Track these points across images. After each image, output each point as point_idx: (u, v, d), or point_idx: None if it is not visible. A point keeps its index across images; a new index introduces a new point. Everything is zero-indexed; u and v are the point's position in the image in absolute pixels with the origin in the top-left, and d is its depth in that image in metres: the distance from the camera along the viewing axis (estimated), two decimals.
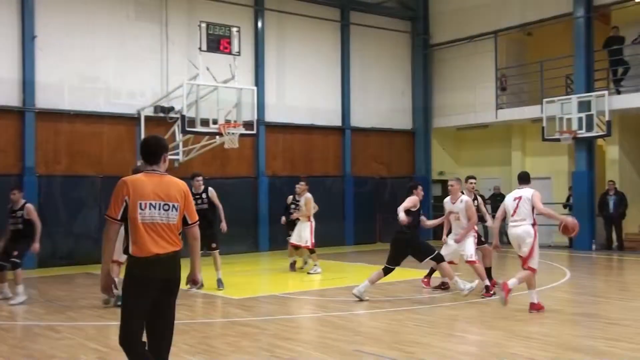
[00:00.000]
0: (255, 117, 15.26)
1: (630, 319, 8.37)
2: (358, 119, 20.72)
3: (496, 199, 20.46)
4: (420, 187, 9.99)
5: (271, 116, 18.86)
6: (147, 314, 4.62)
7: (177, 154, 16.78)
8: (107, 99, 16.19)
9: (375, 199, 20.59)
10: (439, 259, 9.68)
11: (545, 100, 17.84)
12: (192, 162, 17.19)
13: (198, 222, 4.84)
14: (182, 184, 4.84)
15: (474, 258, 9.99)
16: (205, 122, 14.24)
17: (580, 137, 17.15)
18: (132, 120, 16.60)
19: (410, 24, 22.04)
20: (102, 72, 16.15)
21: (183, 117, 14.23)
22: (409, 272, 12.34)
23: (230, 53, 14.44)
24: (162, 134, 16.28)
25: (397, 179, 20.53)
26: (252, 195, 18.48)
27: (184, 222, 4.74)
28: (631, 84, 17.87)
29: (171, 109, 16.66)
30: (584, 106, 16.97)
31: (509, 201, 9.18)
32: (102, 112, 16.14)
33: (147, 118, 16.61)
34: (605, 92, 16.90)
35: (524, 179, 9.18)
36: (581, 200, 17.59)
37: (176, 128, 15.93)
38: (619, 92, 17.60)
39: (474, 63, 20.63)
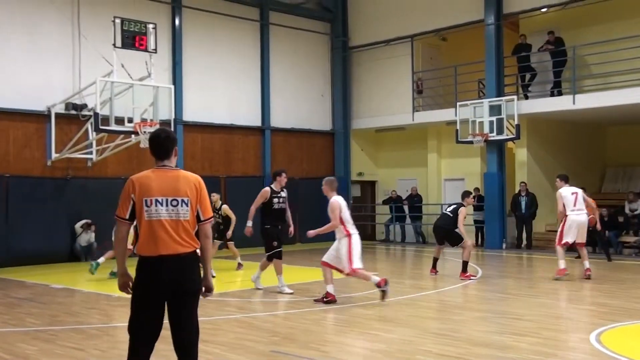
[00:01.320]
0: (173, 116, 14.99)
1: (536, 314, 8.77)
2: (278, 120, 20.72)
3: (413, 199, 21.02)
4: (283, 174, 11.10)
5: (189, 115, 18.57)
6: (155, 317, 4.48)
7: (91, 153, 16.26)
8: (13, 95, 15.45)
9: (295, 200, 20.59)
10: (270, 257, 10.59)
11: (459, 103, 18.43)
12: (106, 162, 16.71)
13: (212, 220, 4.61)
14: (195, 177, 4.60)
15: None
16: (120, 121, 13.87)
17: (491, 140, 17.83)
18: (41, 117, 15.94)
19: (329, 26, 22.25)
20: (7, 66, 15.41)
21: (96, 114, 13.79)
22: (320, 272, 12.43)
23: (146, 50, 14.13)
24: (74, 132, 15.76)
25: (317, 180, 20.62)
26: None
27: (198, 219, 4.52)
28: (538, 89, 18.76)
29: (84, 106, 16.10)
30: (495, 110, 17.65)
31: (567, 195, 11.79)
32: (7, 108, 15.40)
33: (58, 115, 15.99)
34: (515, 97, 17.65)
35: (567, 178, 12.13)
36: (492, 201, 18.30)
37: (89, 126, 15.43)
38: (527, 97, 18.42)
39: (391, 66, 21.05)
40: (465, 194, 12.84)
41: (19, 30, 15.62)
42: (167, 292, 4.43)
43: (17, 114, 15.57)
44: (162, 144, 4.60)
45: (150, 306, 4.47)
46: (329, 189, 10.04)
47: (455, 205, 12.60)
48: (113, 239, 4.04)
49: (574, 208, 11.78)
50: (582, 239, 12.06)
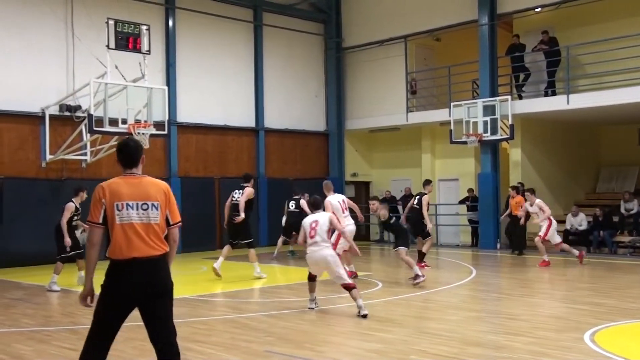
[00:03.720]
0: (167, 117, 14.98)
1: (529, 314, 8.80)
2: (272, 121, 20.72)
3: (407, 200, 21.00)
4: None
5: (183, 116, 18.56)
6: (120, 320, 4.61)
7: (85, 154, 16.22)
8: (7, 96, 15.41)
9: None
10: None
11: (452, 104, 18.45)
12: (101, 163, 16.67)
13: (180, 224, 4.76)
14: (163, 183, 4.78)
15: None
16: (114, 122, 13.84)
17: (485, 140, 17.86)
18: (35, 118, 15.90)
19: (323, 27, 22.26)
20: (1, 67, 15.37)
21: (90, 116, 13.75)
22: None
23: (139, 51, 14.11)
24: (69, 133, 15.74)
25: (311, 180, 20.66)
26: None
27: (167, 223, 4.67)
28: (532, 89, 18.80)
29: (78, 107, 16.08)
30: (489, 110, 17.68)
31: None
32: (1, 110, 15.36)
33: (52, 117, 15.95)
34: (509, 97, 17.69)
35: None
36: (486, 201, 18.33)
37: (83, 127, 15.41)
38: (520, 97, 18.46)
39: (385, 67, 21.07)
40: (426, 182, 14.41)
41: (12, 32, 15.58)
42: (139, 294, 4.54)
43: (11, 116, 15.53)
44: (131, 153, 4.73)
45: (120, 308, 4.58)
46: (325, 191, 11.59)
47: (418, 196, 13.93)
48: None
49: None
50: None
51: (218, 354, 6.78)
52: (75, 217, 11.68)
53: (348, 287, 8.72)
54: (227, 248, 12.68)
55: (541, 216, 14.52)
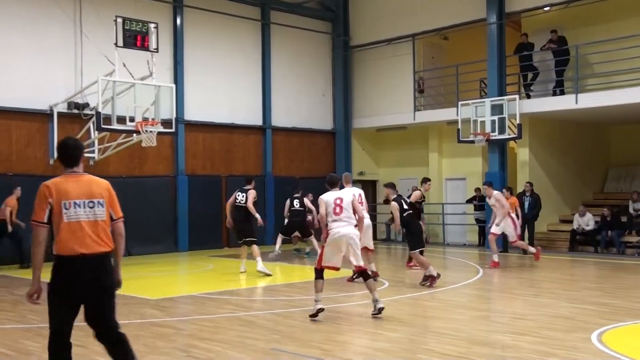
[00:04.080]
0: (174, 115, 15.00)
1: (536, 313, 8.77)
2: (279, 119, 20.73)
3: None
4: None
5: (191, 114, 18.59)
6: (74, 314, 4.74)
7: (93, 152, 16.27)
8: (16, 94, 15.48)
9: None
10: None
11: (460, 103, 18.40)
12: (109, 160, 16.74)
13: (122, 219, 4.91)
14: (104, 181, 4.95)
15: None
16: (121, 120, 13.89)
17: (493, 140, 17.80)
18: (44, 116, 15.97)
19: (330, 25, 22.24)
20: (10, 65, 15.44)
21: (98, 114, 13.80)
22: (326, 272, 12.46)
23: (147, 49, 14.14)
24: (77, 131, 15.79)
25: (318, 179, 20.64)
26: (171, 195, 18.15)
27: (111, 219, 4.85)
28: (540, 88, 18.73)
29: (86, 105, 16.14)
30: (497, 109, 17.61)
31: None
32: (10, 107, 15.43)
33: (60, 114, 16.01)
34: (517, 96, 17.61)
35: None
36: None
37: (91, 125, 15.44)
38: (529, 97, 18.39)
39: (392, 65, 21.04)
40: (423, 181, 14.27)
41: (22, 30, 15.64)
42: (87, 290, 4.69)
43: (20, 113, 15.60)
44: (72, 152, 4.90)
45: (72, 303, 4.73)
46: (344, 182, 11.46)
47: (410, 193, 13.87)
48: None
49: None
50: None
51: (224, 352, 6.79)
52: None
53: (364, 274, 8.50)
54: (243, 249, 13.12)
55: (499, 211, 13.93)
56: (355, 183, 22.46)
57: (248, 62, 20.07)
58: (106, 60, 14.33)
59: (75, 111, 16.08)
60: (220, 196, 18.82)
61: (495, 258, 14.00)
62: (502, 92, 18.15)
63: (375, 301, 8.38)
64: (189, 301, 10.00)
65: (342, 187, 9.16)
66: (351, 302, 9.81)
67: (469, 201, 19.87)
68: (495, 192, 14.21)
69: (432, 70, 20.98)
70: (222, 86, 19.41)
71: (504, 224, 14.08)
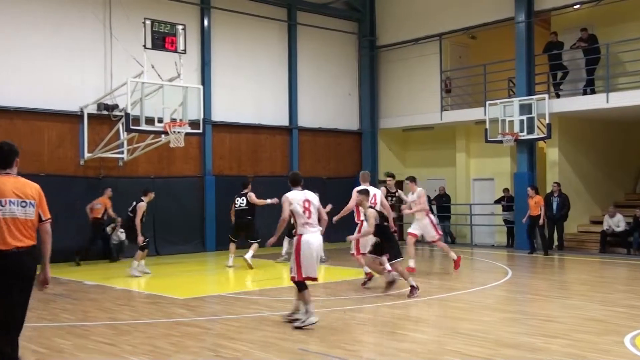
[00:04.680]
0: (202, 116, 15.11)
1: (567, 316, 8.65)
2: (305, 119, 20.77)
3: (441, 199, 20.89)
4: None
5: (218, 115, 18.72)
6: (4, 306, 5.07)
7: (122, 152, 16.49)
8: (48, 96, 15.75)
9: (322, 200, 20.60)
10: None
11: (488, 102, 18.24)
12: (137, 161, 16.94)
13: (50, 219, 5.38)
14: (35, 184, 5.37)
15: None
16: (150, 121, 14.03)
17: (521, 139, 17.61)
18: (74, 117, 16.21)
19: (357, 25, 22.21)
20: (43, 68, 15.70)
21: (127, 115, 13.98)
22: (353, 272, 12.46)
23: (175, 51, 14.28)
24: (106, 132, 16.01)
25: (344, 180, 20.65)
26: (199, 195, 18.29)
27: (40, 219, 5.31)
28: (569, 88, 18.47)
29: (115, 106, 16.34)
30: (525, 109, 17.43)
31: None
32: (42, 109, 15.70)
33: (90, 115, 16.25)
34: (546, 96, 17.41)
35: None
36: (522, 201, 18.00)
37: (120, 126, 15.65)
38: (558, 96, 18.16)
39: (419, 65, 20.94)
40: (386, 175, 13.79)
41: (53, 33, 15.90)
42: (16, 280, 5.10)
43: (51, 114, 15.86)
44: (5, 155, 5.30)
45: (3, 295, 5.06)
46: (361, 181, 11.22)
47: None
48: None
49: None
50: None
51: (251, 352, 6.82)
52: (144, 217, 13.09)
53: (301, 284, 7.85)
54: (233, 245, 14.40)
55: (414, 207, 12.89)
56: (381, 183, 22.49)
57: (274, 63, 20.14)
58: (135, 62, 14.50)
59: (105, 112, 16.30)
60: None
61: (412, 263, 12.43)
62: (530, 92, 17.95)
63: (306, 312, 7.84)
64: (216, 301, 10.07)
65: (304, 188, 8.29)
66: (377, 303, 9.78)
67: (497, 202, 19.69)
68: (419, 189, 12.99)
69: (460, 70, 20.83)
70: (249, 87, 19.50)
71: (422, 224, 12.93)
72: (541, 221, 16.56)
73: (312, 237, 7.92)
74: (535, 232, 16.95)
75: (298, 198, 8.00)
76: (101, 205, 15.55)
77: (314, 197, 8.16)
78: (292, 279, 8.04)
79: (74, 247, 15.39)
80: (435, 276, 13.04)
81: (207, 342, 7.29)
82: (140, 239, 12.86)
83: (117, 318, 8.71)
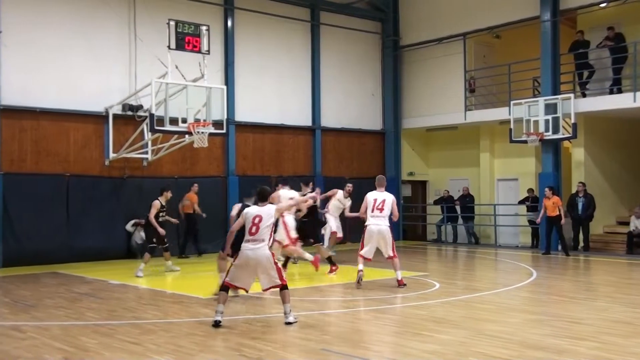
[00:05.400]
0: (225, 116, 15.17)
1: (594, 318, 8.53)
2: (328, 119, 20.76)
3: (465, 200, 20.74)
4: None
5: (241, 115, 18.78)
6: None
7: (146, 152, 16.62)
8: (73, 97, 15.93)
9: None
10: None
11: (512, 102, 18.07)
12: (162, 161, 17.07)
13: None
14: None
15: None
16: (174, 121, 14.12)
17: (546, 139, 17.42)
18: (99, 118, 16.39)
19: (380, 25, 22.15)
20: (68, 69, 15.90)
21: (152, 115, 14.08)
22: (377, 272, 12.43)
23: (199, 52, 14.35)
24: (131, 132, 16.16)
25: (367, 180, 20.56)
26: (222, 195, 18.37)
27: None
28: (596, 87, 18.22)
29: (139, 107, 16.48)
30: (551, 108, 17.24)
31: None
32: (68, 109, 15.89)
33: (115, 116, 16.41)
34: (571, 95, 17.20)
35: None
36: None
37: (145, 126, 15.77)
38: (584, 95, 17.92)
39: (443, 65, 20.82)
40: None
41: (78, 34, 16.08)
42: None
43: (77, 115, 16.04)
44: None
45: None
46: (377, 185, 11.36)
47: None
48: None
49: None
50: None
51: (275, 352, 6.83)
52: (162, 214, 13.23)
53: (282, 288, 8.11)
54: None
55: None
56: (404, 183, 22.43)
57: (297, 63, 20.17)
58: (159, 62, 14.61)
59: (130, 113, 16.45)
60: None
61: (308, 257, 12.53)
62: (556, 91, 17.75)
63: (285, 314, 8.10)
64: (240, 300, 10.09)
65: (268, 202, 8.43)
66: (401, 304, 9.74)
67: (521, 202, 19.49)
68: (282, 192, 13.09)
69: (484, 70, 20.67)
70: (272, 87, 19.55)
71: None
72: (562, 222, 16.38)
73: (250, 252, 8.01)
74: (554, 233, 16.76)
75: (250, 217, 8.09)
76: (189, 201, 16.35)
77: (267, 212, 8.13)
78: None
79: (98, 247, 15.57)
80: (460, 277, 12.95)
81: (231, 341, 7.32)
82: (162, 230, 12.95)
83: (141, 317, 8.78)
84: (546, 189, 16.64)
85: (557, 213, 16.37)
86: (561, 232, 16.62)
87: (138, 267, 12.95)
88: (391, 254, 10.99)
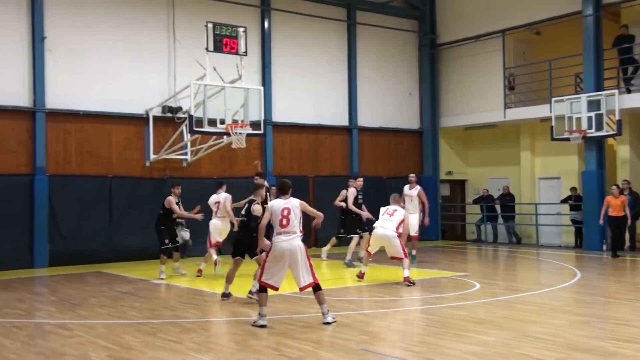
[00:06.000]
0: (262, 117, 15.24)
1: None
2: (365, 119, 20.68)
3: (505, 199, 20.44)
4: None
5: (278, 116, 18.86)
6: None
7: (185, 154, 16.82)
8: (115, 100, 16.23)
9: (381, 200, 20.46)
10: None
11: (554, 99, 17.73)
12: (201, 162, 17.26)
13: None
14: None
15: None
16: (212, 122, 14.22)
17: (590, 137, 17.04)
18: (140, 120, 16.65)
19: (417, 24, 21.98)
20: (110, 72, 16.20)
21: (191, 117, 14.22)
22: (416, 273, 12.33)
23: (237, 53, 14.43)
24: (170, 134, 16.38)
25: (405, 179, 20.40)
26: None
27: None
28: None
29: (179, 109, 16.69)
30: (594, 105, 16.85)
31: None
32: (110, 112, 16.19)
33: (155, 118, 16.66)
34: (616, 91, 16.78)
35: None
36: (591, 200, 17.46)
37: (184, 128, 15.96)
38: (629, 91, 17.49)
39: (481, 62, 20.56)
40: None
41: (119, 39, 16.37)
42: None
43: (119, 118, 16.34)
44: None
45: None
46: (392, 202, 11.96)
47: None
48: None
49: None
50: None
51: (315, 351, 6.82)
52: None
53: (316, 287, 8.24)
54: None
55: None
56: (443, 183, 22.21)
57: (334, 63, 20.15)
58: (198, 64, 14.76)
59: (169, 115, 16.68)
60: (308, 196, 18.94)
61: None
62: (599, 87, 17.35)
63: (323, 314, 8.16)
64: (279, 300, 10.11)
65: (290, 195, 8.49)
66: (441, 304, 9.63)
67: (564, 201, 19.12)
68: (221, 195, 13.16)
69: (524, 67, 20.32)
70: (309, 87, 19.58)
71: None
72: (629, 222, 15.74)
73: (284, 243, 8.07)
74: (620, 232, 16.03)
75: (278, 209, 8.17)
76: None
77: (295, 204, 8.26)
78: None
79: (140, 247, 15.79)
80: (501, 277, 12.76)
81: (270, 340, 7.34)
82: (198, 215, 13.02)
83: (182, 316, 8.88)
84: (613, 187, 15.85)
85: (623, 213, 15.55)
86: (623, 234, 16.06)
87: (160, 270, 12.68)
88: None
